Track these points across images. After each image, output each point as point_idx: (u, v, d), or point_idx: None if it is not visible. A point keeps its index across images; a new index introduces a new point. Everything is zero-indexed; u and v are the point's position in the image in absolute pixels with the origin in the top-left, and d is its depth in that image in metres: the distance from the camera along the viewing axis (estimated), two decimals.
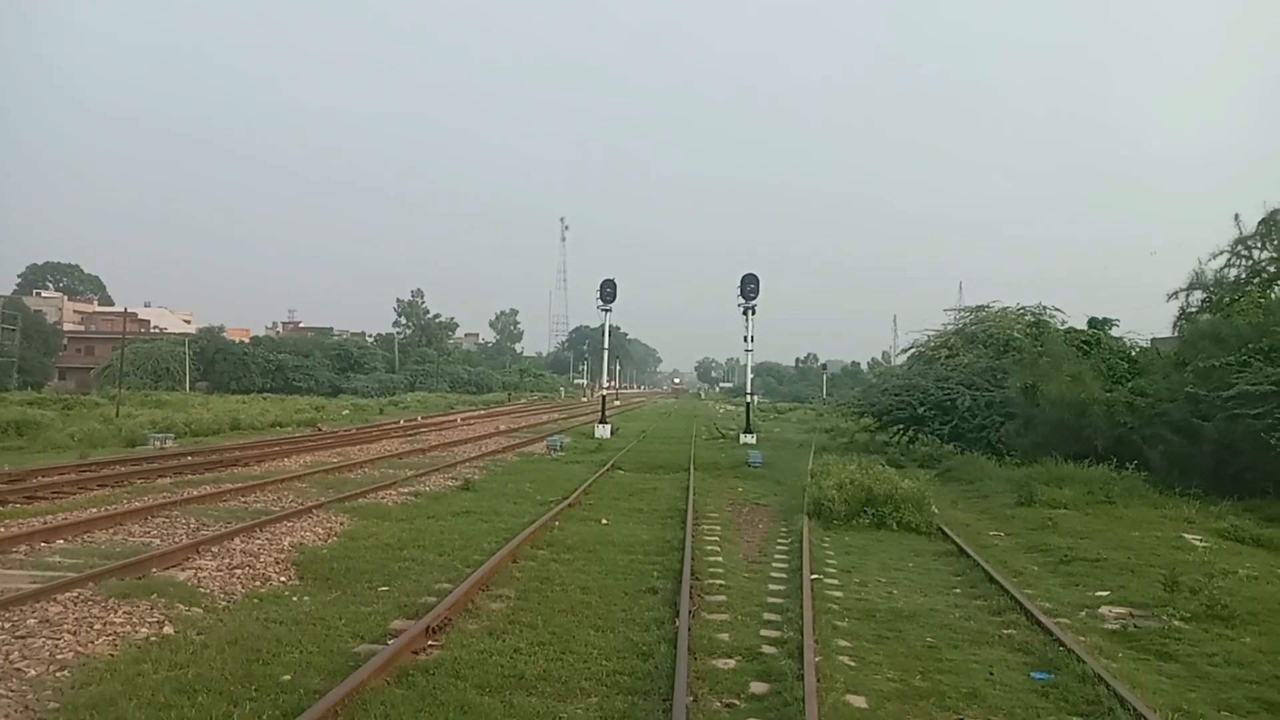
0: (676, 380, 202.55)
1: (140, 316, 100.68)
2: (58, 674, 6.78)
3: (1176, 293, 26.23)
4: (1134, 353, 28.87)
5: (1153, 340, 30.35)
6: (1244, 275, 24.82)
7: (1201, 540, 14.27)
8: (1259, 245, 24.69)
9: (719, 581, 10.84)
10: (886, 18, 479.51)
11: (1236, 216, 24.77)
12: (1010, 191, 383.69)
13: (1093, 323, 31.97)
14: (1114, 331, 31.23)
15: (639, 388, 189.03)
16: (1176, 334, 26.22)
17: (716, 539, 13.85)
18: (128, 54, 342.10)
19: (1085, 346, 28.73)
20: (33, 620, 7.90)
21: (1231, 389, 18.26)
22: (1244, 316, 21.68)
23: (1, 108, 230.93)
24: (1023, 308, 36.56)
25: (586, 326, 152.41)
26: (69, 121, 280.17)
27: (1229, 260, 25.11)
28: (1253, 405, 17.63)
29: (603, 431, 36.51)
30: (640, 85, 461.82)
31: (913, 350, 41.22)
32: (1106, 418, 22.07)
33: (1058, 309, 35.70)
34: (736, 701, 6.80)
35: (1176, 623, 9.43)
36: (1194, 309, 25.78)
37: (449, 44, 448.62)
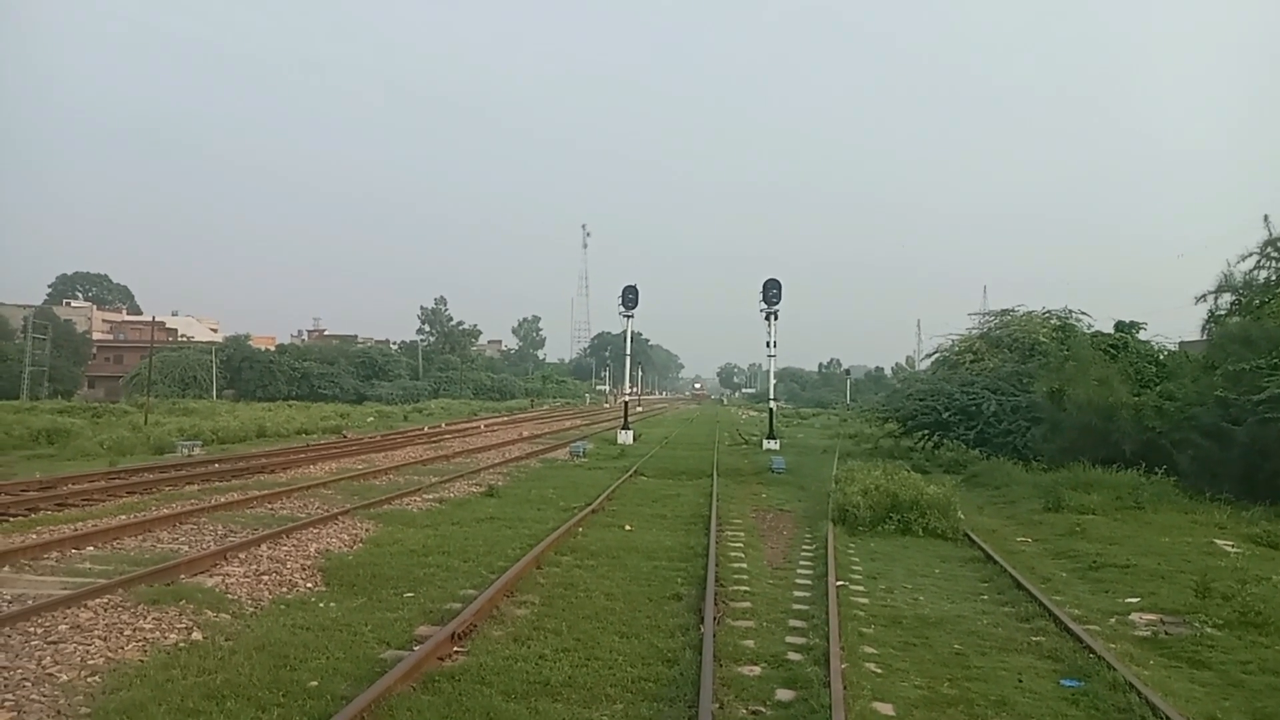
0: (697, 385, 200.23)
1: (168, 325, 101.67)
2: (89, 679, 6.85)
3: (1205, 295, 25.94)
4: (1162, 356, 28.59)
5: (1181, 344, 30.01)
6: (1274, 277, 24.49)
7: (1233, 546, 14.08)
8: None
9: (744, 588, 10.80)
10: (907, 18, 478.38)
11: (1266, 218, 24.49)
12: (1035, 194, 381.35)
13: (1120, 326, 31.66)
14: (1142, 335, 30.93)
15: (661, 394, 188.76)
16: (1205, 337, 25.90)
17: (741, 545, 13.81)
18: (157, 67, 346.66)
19: (1112, 350, 28.46)
20: (64, 626, 7.99)
21: (1262, 393, 18.03)
22: (1275, 319, 21.40)
23: (31, 122, 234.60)
24: (1048, 311, 36.30)
25: (609, 333, 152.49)
26: (96, 134, 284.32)
27: (1258, 262, 24.80)
28: None
29: (625, 437, 36.49)
30: (661, 94, 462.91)
31: (937, 355, 41.11)
32: (1135, 422, 21.84)
33: (1084, 312, 35.46)
34: (763, 709, 6.77)
35: (1209, 630, 9.31)
36: (1223, 311, 25.46)
37: (473, 57, 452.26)
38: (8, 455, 25.52)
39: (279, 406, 56.45)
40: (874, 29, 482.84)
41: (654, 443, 36.99)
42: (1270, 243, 24.38)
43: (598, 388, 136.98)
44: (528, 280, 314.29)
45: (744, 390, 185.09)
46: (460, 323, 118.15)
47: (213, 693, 6.55)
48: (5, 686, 6.52)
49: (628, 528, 15.02)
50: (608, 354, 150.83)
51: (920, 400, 31.33)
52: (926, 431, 31.16)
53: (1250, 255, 24.80)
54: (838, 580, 11.02)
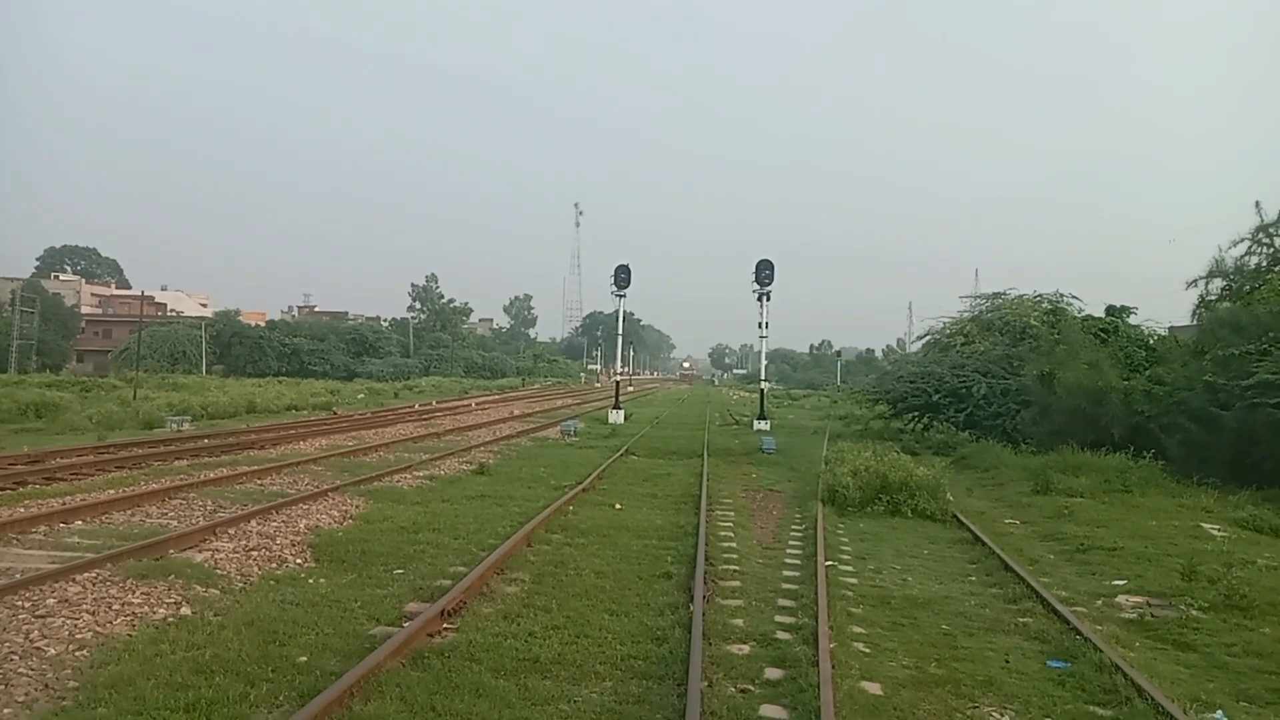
0: (686, 365, 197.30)
1: (157, 300, 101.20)
2: (77, 653, 6.84)
3: (1196, 280, 26.00)
4: (1152, 341, 28.68)
5: (1171, 328, 30.12)
6: (1265, 263, 24.56)
7: (1220, 530, 14.17)
8: None
9: (733, 567, 10.83)
10: None
11: (1258, 204, 24.53)
12: (1028, 177, 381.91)
13: (1111, 310, 31.74)
14: (1132, 319, 31.00)
15: (653, 374, 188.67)
16: (1195, 322, 25.99)
17: (730, 525, 13.84)
18: (145, 38, 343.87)
19: (1103, 334, 28.53)
20: (52, 600, 7.96)
21: (1251, 378, 18.10)
22: (1265, 305, 21.45)
23: (19, 93, 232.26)
24: (1040, 295, 36.31)
25: (600, 312, 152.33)
26: (86, 106, 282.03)
27: (1250, 248, 24.86)
28: (1273, 394, 17.47)
29: (616, 417, 36.51)
30: (656, 70, 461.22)
31: (928, 337, 41.07)
32: (1124, 406, 21.93)
33: (1075, 296, 35.47)
34: (751, 687, 6.79)
35: (1194, 612, 9.39)
36: (1214, 297, 25.54)
37: (465, 29, 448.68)
38: None
39: (269, 382, 56.29)
40: (872, 6, 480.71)
41: (645, 422, 37.03)
42: (1262, 228, 24.43)
43: (589, 367, 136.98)
44: (519, 258, 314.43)
45: (735, 371, 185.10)
46: (451, 300, 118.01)
47: (201, 667, 6.54)
48: None
49: (618, 506, 15.04)
50: (599, 333, 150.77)
51: (911, 382, 31.36)
52: (916, 413, 31.22)
53: (1241, 241, 24.87)
54: (827, 560, 11.06)
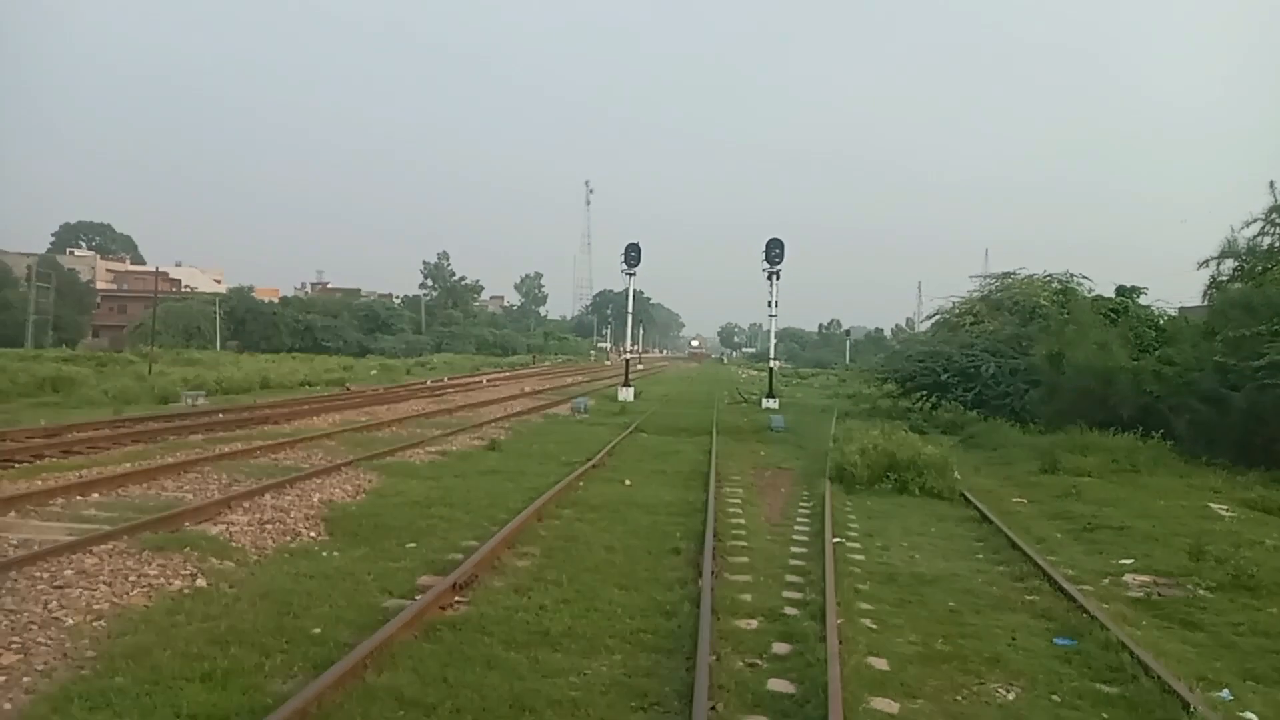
0: (694, 343, 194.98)
1: (171, 276, 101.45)
2: (94, 624, 6.94)
3: (1207, 261, 25.79)
4: (1162, 321, 28.58)
5: (1181, 309, 29.95)
6: (1278, 244, 24.36)
7: (1228, 510, 14.17)
8: None
9: (741, 543, 10.91)
10: None
11: (1272, 184, 24.26)
12: (1038, 156, 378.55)
13: (1121, 291, 31.58)
14: (1142, 300, 30.87)
15: (662, 352, 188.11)
16: (1206, 303, 25.83)
17: (739, 501, 13.92)
18: (157, 13, 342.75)
19: (1113, 314, 28.44)
20: (70, 571, 8.07)
21: (1262, 359, 18.05)
22: (1277, 286, 21.31)
23: (35, 69, 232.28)
24: (1049, 275, 36.10)
25: (610, 290, 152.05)
26: (100, 82, 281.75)
27: (1263, 228, 24.62)
28: None
29: (626, 395, 36.50)
30: (667, 49, 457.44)
31: (937, 317, 40.95)
32: (1133, 386, 21.88)
33: (1085, 276, 35.27)
34: (759, 661, 6.87)
35: (1202, 592, 9.42)
36: (1225, 277, 25.35)
37: (479, 7, 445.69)
38: (13, 403, 25.58)
39: (282, 358, 56.38)
40: None
41: (654, 400, 37.09)
42: (1275, 208, 24.18)
43: (599, 345, 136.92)
44: (530, 236, 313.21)
45: (744, 349, 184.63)
46: (463, 278, 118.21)
47: (217, 638, 6.63)
48: (12, 629, 6.61)
49: (628, 483, 15.11)
50: (609, 312, 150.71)
51: (919, 361, 31.33)
52: (925, 392, 31.20)
53: (1254, 221, 24.63)
54: (834, 537, 11.12)
